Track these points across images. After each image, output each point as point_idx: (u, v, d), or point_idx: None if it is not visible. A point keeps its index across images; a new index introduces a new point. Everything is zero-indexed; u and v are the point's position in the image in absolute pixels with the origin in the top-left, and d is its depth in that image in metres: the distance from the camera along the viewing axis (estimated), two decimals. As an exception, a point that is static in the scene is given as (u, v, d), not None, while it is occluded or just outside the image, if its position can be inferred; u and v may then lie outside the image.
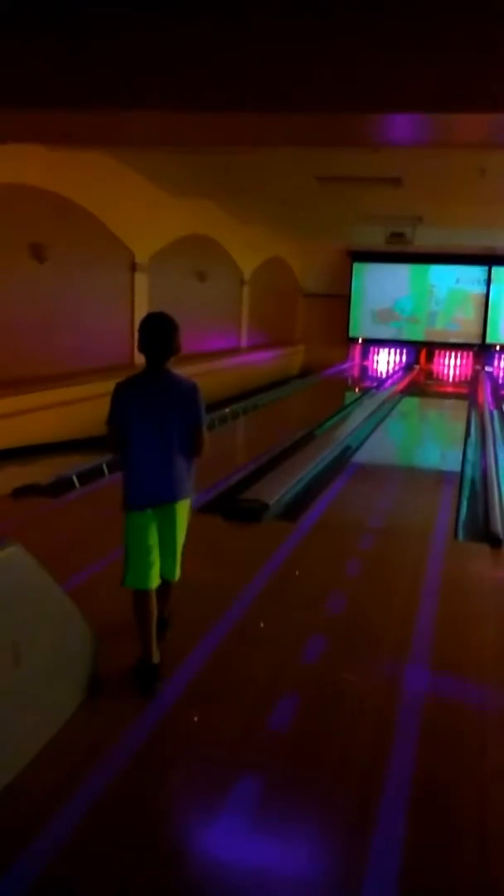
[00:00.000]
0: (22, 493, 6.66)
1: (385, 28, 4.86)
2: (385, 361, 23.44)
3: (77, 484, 7.08)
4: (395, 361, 23.31)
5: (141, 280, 12.47)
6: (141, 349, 3.78)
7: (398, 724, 3.27)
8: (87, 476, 7.28)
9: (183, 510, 3.73)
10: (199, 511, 6.33)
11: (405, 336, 22.75)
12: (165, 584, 3.82)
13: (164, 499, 3.65)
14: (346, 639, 4.10)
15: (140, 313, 12.42)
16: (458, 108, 4.99)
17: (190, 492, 3.77)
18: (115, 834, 2.55)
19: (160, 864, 2.44)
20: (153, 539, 3.66)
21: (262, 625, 4.24)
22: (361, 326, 22.93)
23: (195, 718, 3.28)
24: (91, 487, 7.06)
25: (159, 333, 3.78)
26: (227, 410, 12.22)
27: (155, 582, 3.64)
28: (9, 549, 2.85)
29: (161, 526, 3.68)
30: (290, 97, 5.12)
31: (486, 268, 21.60)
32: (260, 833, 2.62)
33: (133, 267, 12.29)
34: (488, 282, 21.74)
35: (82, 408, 8.66)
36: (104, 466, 7.58)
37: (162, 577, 3.72)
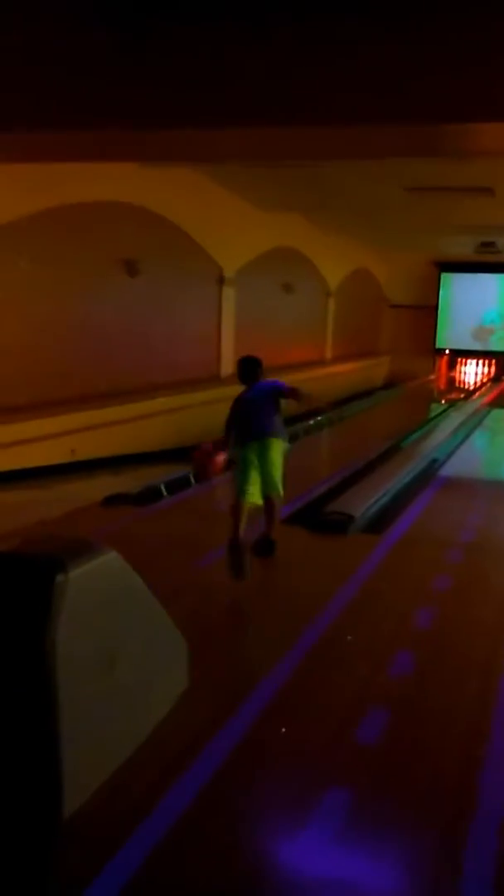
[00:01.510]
0: (111, 501, 6.84)
1: (475, 38, 4.81)
2: (473, 373, 22.98)
3: (165, 493, 7.21)
4: (482, 373, 22.82)
5: (228, 293, 12.63)
6: (240, 379, 5.67)
7: (490, 740, 3.20)
8: (175, 485, 7.41)
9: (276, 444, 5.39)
10: (284, 522, 6.39)
11: (493, 346, 22.20)
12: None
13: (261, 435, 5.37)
14: (435, 653, 4.03)
15: (227, 326, 12.70)
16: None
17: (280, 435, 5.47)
18: (202, 842, 2.57)
19: (245, 874, 2.45)
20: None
21: (349, 638, 4.22)
22: (449, 337, 22.54)
23: (283, 730, 3.29)
24: (178, 497, 7.18)
25: (250, 370, 5.62)
26: (311, 422, 12.21)
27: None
28: (106, 556, 2.94)
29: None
30: (379, 109, 5.12)
31: None
32: (346, 848, 2.60)
33: (221, 280, 12.47)
34: None
35: (171, 418, 8.86)
36: (191, 476, 7.70)
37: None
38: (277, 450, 5.41)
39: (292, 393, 5.48)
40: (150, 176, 9.84)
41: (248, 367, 5.65)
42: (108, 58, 5.41)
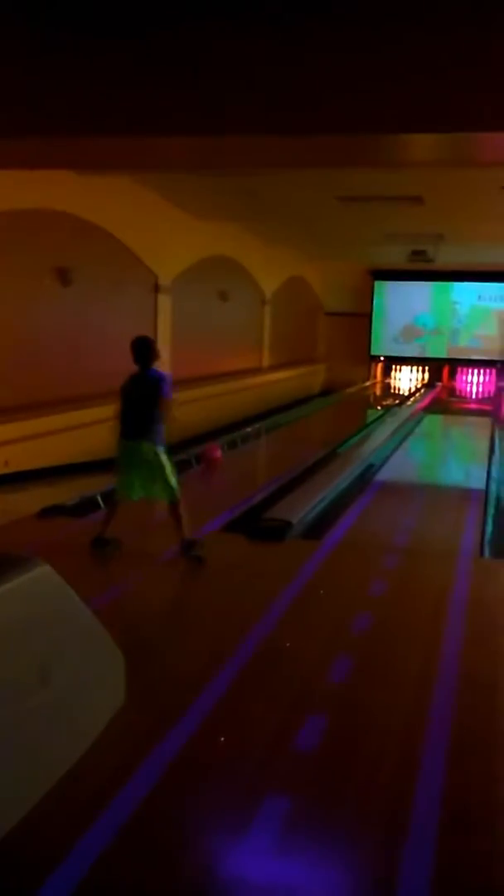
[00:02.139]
0: (47, 513, 6.72)
1: (411, 49, 4.90)
2: (407, 379, 23.40)
3: (102, 504, 7.12)
4: (416, 379, 23.27)
5: (164, 301, 12.58)
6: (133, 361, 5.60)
7: (427, 743, 3.24)
8: (112, 496, 7.31)
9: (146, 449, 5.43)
10: (222, 530, 6.39)
11: (428, 353, 22.66)
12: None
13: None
14: (373, 658, 4.08)
15: (163, 334, 12.62)
16: (478, 128, 5.02)
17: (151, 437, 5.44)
18: (142, 855, 2.55)
19: (187, 885, 2.43)
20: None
21: (287, 644, 4.23)
22: (383, 344, 22.91)
23: (221, 739, 3.28)
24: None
25: (137, 352, 5.62)
26: (248, 430, 12.26)
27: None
28: (38, 570, 2.88)
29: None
30: (314, 119, 5.17)
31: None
32: (287, 853, 2.60)
33: (156, 288, 12.41)
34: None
35: (105, 428, 8.75)
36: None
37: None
38: (149, 454, 5.42)
39: (165, 405, 5.44)
40: (84, 184, 9.73)
41: (136, 348, 5.59)
42: (41, 62, 5.33)
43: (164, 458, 5.48)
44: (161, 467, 5.45)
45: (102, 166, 8.16)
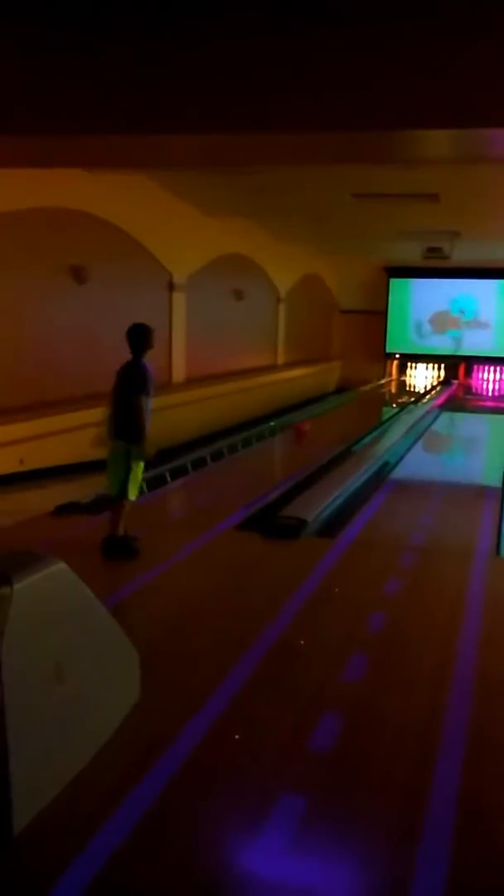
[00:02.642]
0: (63, 511, 6.75)
1: (422, 46, 4.87)
2: (422, 377, 23.31)
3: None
4: (432, 377, 23.16)
5: (178, 299, 12.60)
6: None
7: (442, 742, 3.22)
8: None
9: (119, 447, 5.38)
10: (237, 528, 6.39)
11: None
12: None
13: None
14: (387, 657, 4.06)
15: (178, 333, 12.65)
16: (490, 124, 4.99)
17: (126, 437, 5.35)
18: (155, 854, 2.55)
19: (202, 884, 2.43)
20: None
21: (302, 642, 4.22)
22: (399, 342, 22.81)
23: (236, 737, 3.28)
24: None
25: (131, 339, 5.50)
26: (263, 427, 12.25)
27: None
28: (53, 567, 2.89)
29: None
30: (325, 116, 5.15)
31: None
32: (301, 853, 2.60)
33: (171, 287, 12.43)
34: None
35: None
36: (143, 485, 7.63)
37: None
38: (121, 449, 5.38)
39: (136, 402, 5.29)
40: (99, 182, 9.77)
41: (131, 335, 5.50)
42: (54, 60, 5.34)
43: (133, 456, 5.38)
44: (123, 464, 5.40)
45: (106, 164, 8.18)
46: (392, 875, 2.49)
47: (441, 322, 22.28)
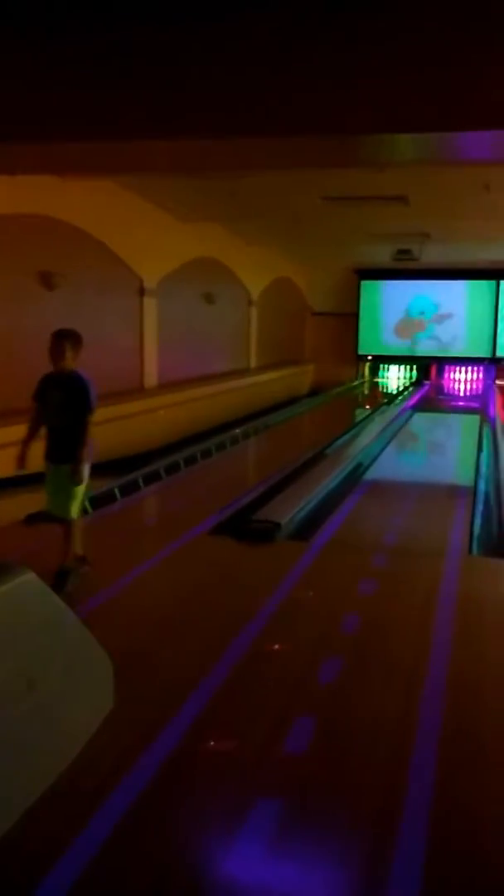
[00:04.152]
0: (34, 519, 6.68)
1: (385, 48, 4.90)
2: (395, 378, 23.44)
3: (90, 509, 7.09)
4: (404, 378, 23.30)
5: (150, 304, 12.56)
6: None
7: (416, 743, 3.23)
8: (99, 501, 7.30)
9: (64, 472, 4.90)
10: (211, 533, 6.37)
11: (420, 350, 22.51)
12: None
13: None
14: (362, 658, 4.07)
15: (150, 337, 12.60)
16: (459, 127, 5.03)
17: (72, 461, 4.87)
18: (132, 862, 2.53)
19: (180, 889, 2.42)
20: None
21: (276, 646, 4.22)
22: (371, 344, 22.91)
23: (211, 743, 3.26)
24: (102, 512, 7.07)
25: (55, 346, 4.99)
26: (237, 431, 12.24)
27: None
28: (23, 577, 2.86)
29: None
30: (296, 120, 5.16)
31: (495, 282, 21.59)
32: (279, 856, 2.59)
33: (142, 292, 12.39)
34: (497, 296, 21.70)
35: (93, 432, 8.73)
36: (116, 490, 7.61)
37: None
38: (66, 474, 4.87)
39: (87, 418, 4.84)
40: (67, 187, 9.71)
41: (54, 342, 4.92)
42: (18, 64, 5.30)
43: (78, 479, 4.91)
44: (68, 487, 4.91)
45: (75, 170, 8.15)
46: (370, 874, 2.50)
47: (412, 325, 22.44)
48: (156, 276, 12.71)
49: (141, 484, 8.20)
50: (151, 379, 12.67)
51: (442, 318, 22.03)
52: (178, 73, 5.15)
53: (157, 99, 5.21)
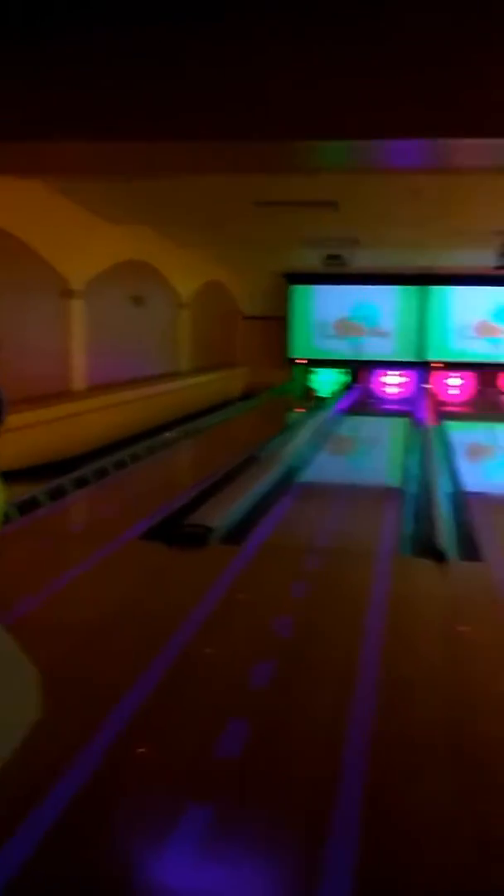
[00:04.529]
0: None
1: (321, 57, 4.93)
2: (326, 381, 23.65)
3: (14, 515, 6.90)
4: (336, 381, 23.53)
5: (76, 306, 12.34)
6: None
7: (348, 744, 3.22)
8: (26, 507, 7.11)
9: None
10: (141, 538, 6.28)
11: (350, 353, 22.77)
12: None
13: None
14: (294, 661, 4.05)
15: (77, 339, 12.38)
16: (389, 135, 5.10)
17: None
18: (62, 870, 2.46)
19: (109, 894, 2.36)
20: None
21: (208, 651, 4.16)
22: (301, 347, 23.05)
23: (141, 750, 3.19)
24: (27, 519, 6.88)
25: None
26: (168, 435, 12.14)
27: None
28: None
29: None
30: (224, 125, 5.14)
31: (423, 288, 22.01)
32: (210, 859, 2.55)
33: (68, 293, 12.17)
34: (424, 301, 22.13)
35: (14, 437, 8.50)
36: (42, 496, 7.43)
37: None
38: None
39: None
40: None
41: None
42: None
43: None
44: None
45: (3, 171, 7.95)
46: (301, 876, 2.47)
47: (344, 328, 22.67)
48: (83, 278, 12.51)
49: (70, 489, 8.03)
50: (80, 382, 12.45)
51: (380, 334, 22.38)
52: (94, 74, 5.08)
53: (78, 102, 5.13)
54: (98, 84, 5.10)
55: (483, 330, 21.93)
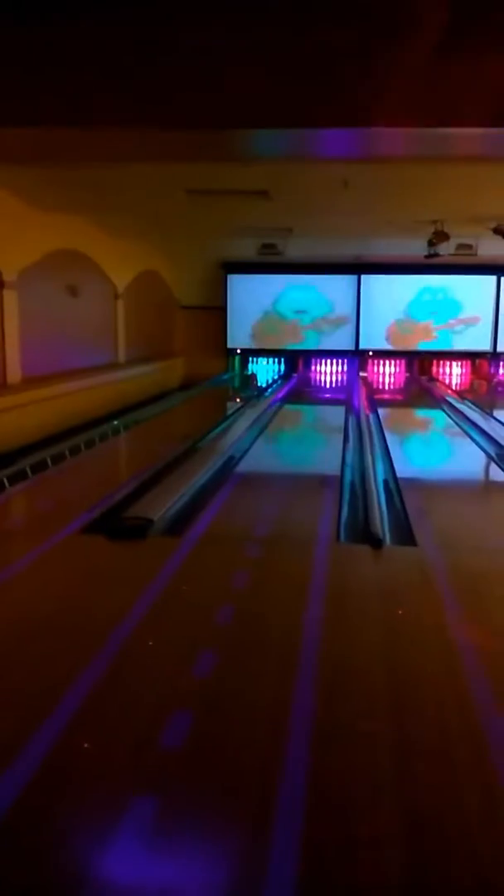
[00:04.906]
0: None
1: (254, 45, 4.94)
2: (264, 371, 23.75)
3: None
4: (273, 370, 23.67)
5: (10, 297, 12.11)
6: None
7: (291, 730, 3.29)
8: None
9: None
10: (81, 532, 6.24)
11: (286, 344, 22.94)
12: None
13: None
14: (236, 650, 4.11)
15: (10, 331, 12.16)
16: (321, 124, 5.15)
17: None
18: (8, 863, 2.46)
19: (55, 890, 2.37)
20: None
21: (150, 643, 4.19)
22: (239, 337, 23.10)
23: (85, 745, 3.20)
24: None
25: None
26: (107, 427, 12.05)
27: None
28: None
29: None
30: (153, 113, 5.12)
31: (356, 276, 22.28)
32: (157, 852, 2.58)
33: (0, 284, 11.94)
34: (358, 290, 22.40)
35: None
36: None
37: None
38: None
39: None
40: None
41: None
42: None
43: None
44: None
45: None
46: (247, 867, 2.52)
47: (278, 321, 22.85)
48: (15, 269, 12.28)
49: (6, 484, 7.92)
50: (15, 375, 12.25)
51: (338, 322, 22.63)
52: (27, 61, 5.00)
53: (5, 87, 5.04)
54: (23, 69, 5.02)
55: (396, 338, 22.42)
